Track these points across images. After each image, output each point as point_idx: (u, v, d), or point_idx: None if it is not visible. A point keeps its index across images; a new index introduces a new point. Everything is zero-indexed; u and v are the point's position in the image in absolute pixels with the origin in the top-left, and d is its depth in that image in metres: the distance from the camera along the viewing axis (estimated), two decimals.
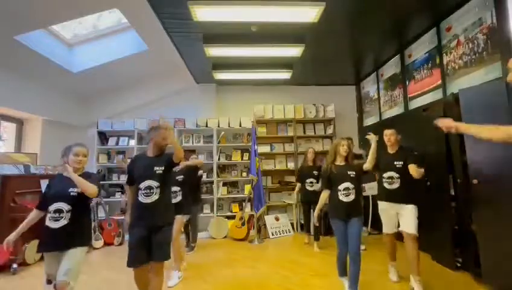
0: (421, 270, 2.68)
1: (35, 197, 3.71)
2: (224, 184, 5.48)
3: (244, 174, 5.52)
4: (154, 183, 2.20)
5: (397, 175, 2.78)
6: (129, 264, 2.11)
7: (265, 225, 4.94)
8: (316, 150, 4.68)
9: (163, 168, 2.26)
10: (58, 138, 4.85)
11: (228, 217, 5.08)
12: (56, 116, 4.89)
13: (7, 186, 3.44)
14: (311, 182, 4.32)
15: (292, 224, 5.17)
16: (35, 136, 4.71)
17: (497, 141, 1.52)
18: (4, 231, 3.34)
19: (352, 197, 2.57)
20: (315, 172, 4.34)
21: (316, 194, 4.25)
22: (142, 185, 2.19)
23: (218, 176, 5.39)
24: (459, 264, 3.07)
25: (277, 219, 5.13)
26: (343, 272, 2.66)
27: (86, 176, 2.10)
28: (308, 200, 4.33)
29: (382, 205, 2.91)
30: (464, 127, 1.66)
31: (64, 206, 1.97)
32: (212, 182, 5.32)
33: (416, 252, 2.66)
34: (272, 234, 4.87)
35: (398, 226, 2.83)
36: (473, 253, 2.83)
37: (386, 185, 2.86)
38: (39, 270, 3.46)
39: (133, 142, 5.32)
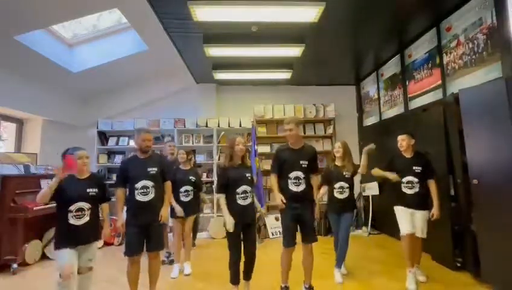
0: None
1: (35, 198, 3.69)
2: None
3: None
4: (149, 183, 2.41)
5: (416, 180, 2.76)
6: (129, 254, 2.34)
7: (265, 225, 4.93)
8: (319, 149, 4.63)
9: (156, 169, 2.47)
10: (58, 138, 4.85)
11: None
12: (56, 116, 4.89)
13: (7, 187, 3.42)
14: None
15: None
16: (35, 136, 4.71)
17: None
18: (4, 231, 3.37)
19: (346, 195, 2.94)
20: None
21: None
22: (138, 184, 2.38)
23: None
24: (459, 264, 3.07)
25: (277, 219, 5.12)
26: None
27: (94, 180, 2.32)
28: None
29: (399, 209, 2.84)
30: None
31: (84, 205, 2.20)
32: (212, 182, 5.32)
33: (420, 248, 2.89)
34: (272, 234, 4.87)
35: None
36: (473, 253, 2.83)
37: (405, 189, 2.81)
38: (39, 270, 3.46)
39: (133, 142, 5.32)
